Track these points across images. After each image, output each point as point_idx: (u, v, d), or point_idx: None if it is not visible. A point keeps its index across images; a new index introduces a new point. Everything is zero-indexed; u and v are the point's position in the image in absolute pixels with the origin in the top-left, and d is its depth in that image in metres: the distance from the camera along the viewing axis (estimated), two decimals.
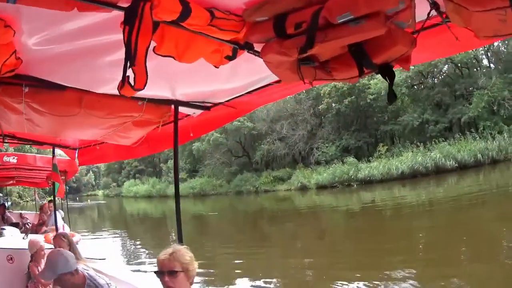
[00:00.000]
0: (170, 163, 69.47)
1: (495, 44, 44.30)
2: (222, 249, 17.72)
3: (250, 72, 3.53)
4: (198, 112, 4.69)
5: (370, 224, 20.16)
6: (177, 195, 4.70)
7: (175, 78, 3.67)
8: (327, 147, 47.48)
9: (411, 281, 9.61)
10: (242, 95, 4.21)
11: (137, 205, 50.88)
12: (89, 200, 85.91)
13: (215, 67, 2.75)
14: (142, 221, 36.71)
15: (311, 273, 12.42)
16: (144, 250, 19.28)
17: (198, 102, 4.48)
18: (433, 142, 39.66)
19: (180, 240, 4.30)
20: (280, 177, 49.92)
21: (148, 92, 3.56)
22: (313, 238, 18.75)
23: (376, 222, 20.68)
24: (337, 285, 10.03)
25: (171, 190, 61.90)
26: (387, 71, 2.42)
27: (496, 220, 15.32)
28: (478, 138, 38.16)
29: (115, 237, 24.61)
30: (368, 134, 47.31)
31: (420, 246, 13.96)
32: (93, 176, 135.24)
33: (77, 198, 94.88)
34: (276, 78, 3.45)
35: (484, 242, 12.16)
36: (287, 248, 16.65)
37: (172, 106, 4.38)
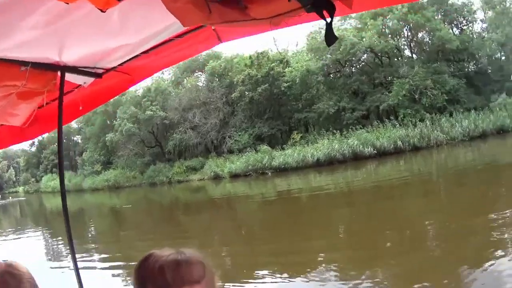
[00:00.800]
0: (85, 155, 67.43)
1: (420, 35, 45.40)
2: (139, 242, 16.48)
3: (144, 22, 2.79)
4: (89, 81, 3.77)
5: (287, 212, 19.29)
6: (62, 185, 3.94)
7: (61, 34, 2.74)
8: (239, 135, 45.82)
9: (332, 269, 9.03)
10: (137, 56, 3.38)
11: (56, 200, 47.58)
12: (10, 198, 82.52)
13: (101, 11, 1.88)
14: (61, 217, 33.15)
15: (230, 263, 11.85)
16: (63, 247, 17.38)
17: (88, 68, 3.55)
18: (350, 130, 38.52)
19: (70, 239, 3.81)
20: (193, 166, 48.22)
21: (32, 53, 2.93)
22: (229, 227, 18.17)
23: (293, 209, 19.64)
24: (257, 274, 9.61)
25: (86, 183, 60.06)
26: (323, 4, 1.87)
27: (417, 205, 14.83)
28: (398, 125, 37.56)
29: (35, 236, 22.74)
30: (282, 122, 45.63)
31: (341, 233, 13.40)
32: (14, 172, 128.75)
33: (0, 195, 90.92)
34: (177, 31, 2.95)
35: (406, 228, 11.72)
36: (204, 238, 15.83)
37: (59, 73, 3.42)
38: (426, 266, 8.17)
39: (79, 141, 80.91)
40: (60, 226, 25.07)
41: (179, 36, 3.16)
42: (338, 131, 38.91)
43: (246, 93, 45.22)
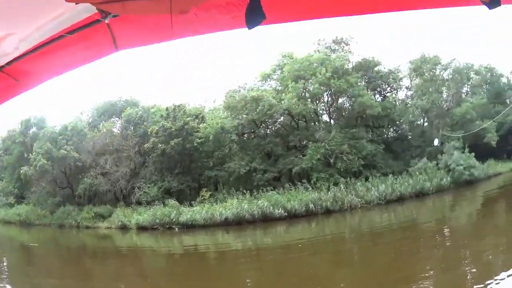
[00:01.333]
0: (0, 185, 64.44)
1: (340, 100, 46.04)
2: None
3: (32, 8, 2.56)
4: None
5: (192, 268, 19.15)
6: None
7: None
8: (149, 187, 44.37)
9: None
10: (24, 56, 3.14)
11: None
12: None
13: None
14: None
15: None
16: None
17: None
18: (260, 191, 37.85)
19: None
20: (101, 213, 46.11)
21: None
22: (135, 280, 17.67)
23: (198, 266, 19.48)
24: None
25: (0, 214, 56.89)
26: None
27: (325, 265, 14.98)
28: (310, 188, 37.24)
29: None
30: (192, 178, 44.42)
31: None
32: None
33: None
34: (66, 24, 2.74)
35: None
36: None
37: None
38: None
39: None
40: None
41: (69, 32, 2.95)
42: (249, 191, 38.06)
43: (159, 145, 43.76)
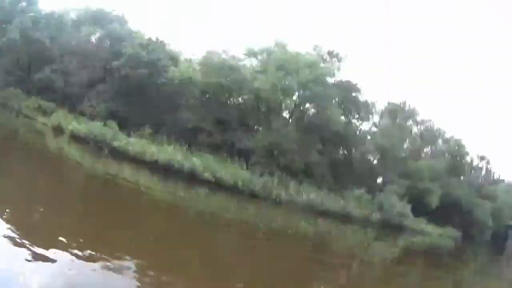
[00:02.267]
0: None
1: (308, 105, 46.63)
2: None
3: None
4: None
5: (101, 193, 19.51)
6: None
7: None
8: (98, 102, 44.09)
9: None
10: None
11: None
12: None
13: None
14: None
15: None
16: None
17: None
18: (199, 151, 37.62)
19: None
20: (44, 108, 45.29)
21: None
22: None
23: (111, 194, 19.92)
24: None
25: None
26: None
27: None
28: (245, 168, 37.85)
29: None
30: (141, 112, 43.27)
31: None
32: None
33: None
34: None
35: None
36: None
37: None
38: None
39: None
40: None
41: None
42: (188, 146, 38.27)
43: (126, 68, 42.93)
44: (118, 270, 9.51)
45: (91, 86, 45.97)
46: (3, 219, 10.55)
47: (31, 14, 51.98)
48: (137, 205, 19.78)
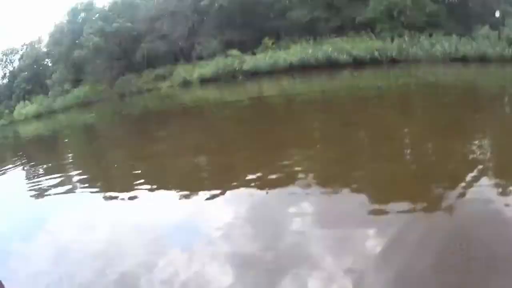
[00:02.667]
0: (55, 76, 64.64)
1: None
2: (115, 157, 14.91)
3: None
4: None
5: (260, 117, 17.43)
6: None
7: None
8: (209, 42, 43.64)
9: (309, 177, 7.85)
10: None
11: (29, 127, 45.32)
12: None
13: None
14: (35, 143, 30.07)
15: (206, 171, 10.50)
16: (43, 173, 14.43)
17: None
18: (324, 38, 36.31)
19: None
20: (161, 74, 46.29)
21: None
22: (203, 135, 15.78)
23: (266, 115, 17.78)
24: (234, 182, 8.30)
25: (57, 104, 57.38)
26: None
27: (395, 115, 13.53)
28: (374, 38, 35.47)
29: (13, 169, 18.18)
30: (253, 30, 42.81)
31: (316, 141, 11.62)
32: None
33: None
34: None
35: (385, 138, 10.28)
36: (178, 147, 14.03)
37: None
38: (400, 178, 7.20)
39: (49, 64, 78.18)
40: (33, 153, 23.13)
41: None
42: (312, 38, 36.76)
43: (216, 0, 42.58)
44: None
45: (193, 33, 46.16)
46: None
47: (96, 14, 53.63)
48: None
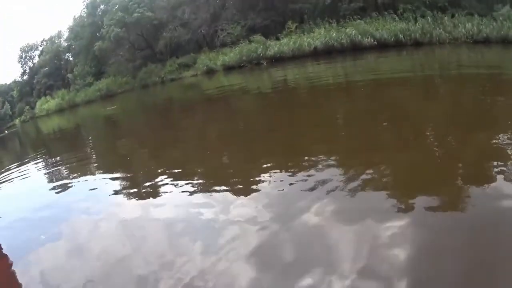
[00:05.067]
0: (76, 70, 64.92)
1: None
2: (140, 147, 14.72)
3: None
4: None
5: (283, 104, 16.64)
6: None
7: None
8: (232, 27, 43.01)
9: (333, 167, 7.52)
10: None
11: (51, 122, 45.39)
12: (6, 131, 78.07)
13: None
14: (58, 138, 29.54)
15: (229, 163, 9.89)
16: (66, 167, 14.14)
17: None
18: (347, 20, 35.60)
19: None
20: (185, 63, 46.00)
21: None
22: (226, 124, 15.21)
23: (290, 103, 16.87)
24: (257, 175, 7.82)
25: (79, 97, 57.56)
26: None
27: (420, 101, 12.73)
28: (397, 19, 34.57)
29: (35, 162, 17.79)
30: (276, 13, 42.39)
31: (341, 129, 11.11)
32: (9, 106, 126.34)
33: None
34: None
35: (409, 126, 9.89)
36: (202, 140, 13.44)
37: None
38: (423, 167, 6.79)
39: (70, 58, 78.57)
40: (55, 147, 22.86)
41: None
42: (335, 21, 36.15)
43: None
44: None
45: (215, 19, 45.59)
46: None
47: (116, 5, 53.37)
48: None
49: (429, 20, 33.55)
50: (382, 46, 32.05)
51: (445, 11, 35.87)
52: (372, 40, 32.47)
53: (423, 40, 32.16)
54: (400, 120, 10.06)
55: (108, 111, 34.29)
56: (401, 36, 32.35)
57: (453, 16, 35.12)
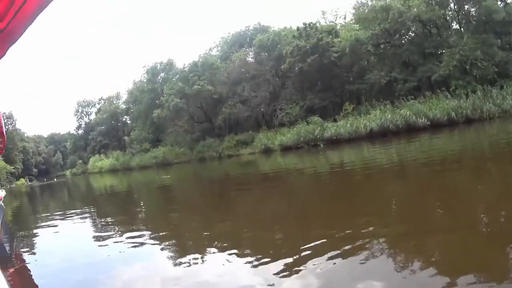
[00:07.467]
0: (133, 134, 66.85)
1: (466, 6, 41.95)
2: (189, 220, 14.05)
3: None
4: None
5: (339, 186, 16.53)
6: None
7: None
8: (290, 107, 43.99)
9: (381, 244, 7.37)
10: None
11: (103, 180, 46.35)
12: (55, 179, 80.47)
13: None
14: (109, 196, 30.91)
15: (280, 241, 9.43)
16: (114, 226, 14.39)
17: None
18: (402, 101, 36.22)
19: None
20: (243, 140, 46.90)
21: None
22: (281, 203, 15.01)
23: (345, 184, 16.84)
24: (307, 251, 7.50)
25: (134, 161, 58.98)
26: None
27: (473, 181, 12.33)
28: (450, 96, 35.16)
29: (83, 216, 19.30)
30: (333, 94, 43.12)
31: (392, 211, 10.85)
32: (61, 156, 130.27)
33: (45, 179, 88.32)
34: None
35: (461, 208, 9.40)
36: (254, 215, 13.22)
37: None
38: (476, 249, 6.48)
39: (128, 121, 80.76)
40: (105, 204, 23.68)
41: None
42: (389, 102, 36.79)
43: (296, 64, 42.75)
44: None
45: (274, 98, 46.62)
46: None
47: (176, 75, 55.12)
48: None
49: (479, 94, 34.08)
50: (435, 126, 32.62)
51: (494, 84, 36.05)
52: (426, 121, 33.11)
53: (474, 117, 32.69)
54: (452, 201, 10.32)
55: (163, 179, 34.67)
56: (453, 114, 33.00)
57: (501, 88, 35.26)
